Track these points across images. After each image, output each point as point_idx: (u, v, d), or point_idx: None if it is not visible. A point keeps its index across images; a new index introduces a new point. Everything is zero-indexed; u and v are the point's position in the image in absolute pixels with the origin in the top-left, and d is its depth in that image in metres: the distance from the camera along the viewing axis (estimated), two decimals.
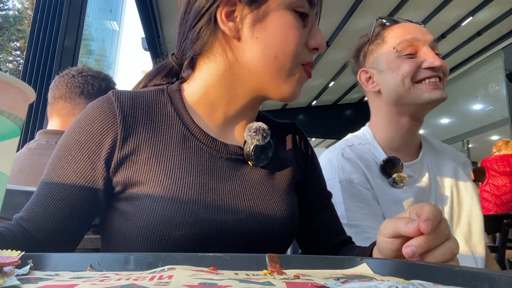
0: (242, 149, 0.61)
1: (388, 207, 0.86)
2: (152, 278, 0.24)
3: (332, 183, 0.86)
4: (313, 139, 11.41)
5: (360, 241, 0.72)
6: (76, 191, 0.53)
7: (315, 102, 8.94)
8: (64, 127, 1.17)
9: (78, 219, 0.54)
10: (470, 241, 0.89)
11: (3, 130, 0.18)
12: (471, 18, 5.39)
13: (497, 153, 3.62)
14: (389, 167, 0.89)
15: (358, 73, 1.00)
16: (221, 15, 0.57)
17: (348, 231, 0.73)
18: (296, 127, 0.75)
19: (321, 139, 11.52)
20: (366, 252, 0.58)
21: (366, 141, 0.96)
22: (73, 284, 0.23)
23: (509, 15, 5.34)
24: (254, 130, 0.60)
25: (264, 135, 0.61)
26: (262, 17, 0.56)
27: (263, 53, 0.56)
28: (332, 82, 7.81)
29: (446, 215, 0.90)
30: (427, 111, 0.93)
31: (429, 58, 0.88)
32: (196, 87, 0.62)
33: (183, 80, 0.65)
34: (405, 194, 0.88)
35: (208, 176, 0.57)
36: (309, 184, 0.71)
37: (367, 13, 5.26)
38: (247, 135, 0.61)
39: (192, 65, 0.63)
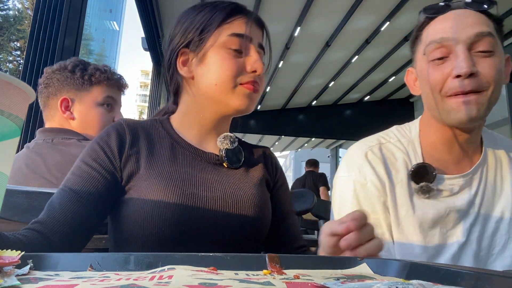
0: (217, 155, 0.79)
1: (402, 219, 0.79)
2: (152, 278, 0.24)
3: (346, 180, 0.83)
4: (313, 139, 11.41)
5: None
6: (93, 186, 0.68)
7: (315, 102, 8.93)
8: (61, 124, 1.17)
9: (92, 215, 0.68)
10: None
11: (3, 130, 0.18)
12: None
13: None
14: (419, 174, 0.78)
15: (406, 72, 0.88)
16: (179, 64, 0.78)
17: None
18: (269, 151, 0.93)
19: (321, 139, 11.52)
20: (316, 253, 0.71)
21: (408, 138, 0.84)
22: (73, 284, 0.23)
23: (509, 15, 5.34)
24: (223, 137, 0.80)
25: (231, 140, 0.80)
26: (203, 57, 0.76)
27: (208, 83, 0.75)
28: (332, 82, 7.80)
29: (486, 241, 0.79)
30: (471, 125, 0.76)
31: (458, 63, 0.70)
32: (178, 115, 0.83)
33: (171, 114, 0.86)
34: (431, 207, 0.79)
35: (191, 169, 0.75)
36: (275, 198, 0.85)
37: (367, 13, 5.26)
38: (218, 142, 0.80)
39: (176, 101, 0.84)
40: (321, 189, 5.19)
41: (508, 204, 0.80)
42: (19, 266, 0.27)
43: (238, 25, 0.76)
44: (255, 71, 0.76)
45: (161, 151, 0.75)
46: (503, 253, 0.79)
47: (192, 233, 0.69)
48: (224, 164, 0.79)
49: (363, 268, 0.34)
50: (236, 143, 0.81)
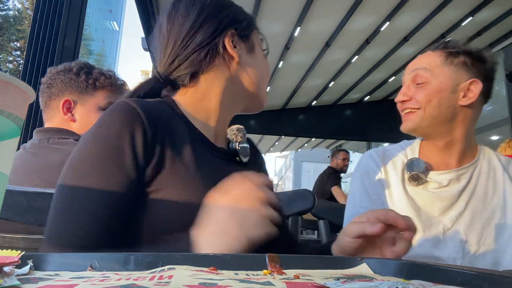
0: (227, 149, 0.75)
1: (395, 201, 0.98)
2: (152, 278, 0.24)
3: (355, 175, 1.05)
4: (313, 139, 11.41)
5: None
6: (116, 192, 0.55)
7: (315, 102, 8.93)
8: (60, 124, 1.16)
9: (116, 221, 0.56)
10: (499, 264, 0.90)
11: (3, 130, 0.18)
12: (471, 18, 5.39)
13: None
14: (410, 165, 0.98)
15: None
16: (229, 43, 0.72)
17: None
18: (250, 139, 0.91)
19: (321, 139, 11.52)
20: (325, 250, 0.70)
21: (411, 146, 1.06)
22: (73, 284, 0.23)
23: (509, 15, 5.34)
24: (236, 129, 0.76)
25: (244, 133, 0.77)
26: (251, 49, 0.76)
27: (255, 75, 0.75)
28: (332, 82, 7.81)
29: (475, 232, 0.93)
30: (416, 135, 1.03)
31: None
32: (193, 99, 0.73)
33: (170, 94, 0.75)
34: (419, 194, 0.97)
35: (214, 169, 0.67)
36: None
37: (367, 13, 5.26)
38: (231, 135, 0.76)
39: (190, 81, 0.72)
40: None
41: (499, 206, 0.94)
42: (19, 266, 0.27)
43: (260, 34, 0.81)
44: None
45: (181, 146, 0.64)
46: (492, 246, 0.91)
47: None
48: (237, 158, 0.75)
49: (363, 268, 0.34)
50: (246, 135, 0.79)
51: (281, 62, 6.64)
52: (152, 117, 0.61)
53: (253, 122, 9.08)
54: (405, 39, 5.99)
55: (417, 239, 0.91)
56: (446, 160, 0.99)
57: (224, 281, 0.23)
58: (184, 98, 0.73)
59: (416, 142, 1.06)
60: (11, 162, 0.20)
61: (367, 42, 6.05)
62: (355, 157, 7.90)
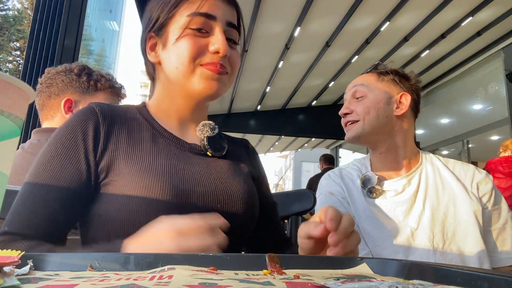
0: (200, 145, 0.75)
1: (361, 215, 1.06)
2: (152, 278, 0.24)
3: (320, 198, 1.14)
4: (313, 139, 11.40)
5: None
6: (67, 183, 0.61)
7: (315, 102, 8.93)
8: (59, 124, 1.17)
9: (68, 213, 0.61)
10: (464, 257, 0.98)
11: (3, 130, 0.18)
12: (471, 18, 5.39)
13: (502, 154, 3.54)
14: (365, 181, 1.10)
15: None
16: (148, 49, 0.76)
17: None
18: (250, 144, 0.92)
19: (321, 139, 11.52)
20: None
21: (362, 161, 1.19)
22: (73, 284, 0.23)
23: (509, 15, 5.33)
24: (202, 125, 0.76)
25: (211, 127, 0.76)
26: (165, 40, 0.72)
27: (171, 67, 0.71)
28: (332, 82, 7.80)
29: (438, 227, 1.02)
30: (366, 145, 1.15)
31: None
32: (155, 102, 0.78)
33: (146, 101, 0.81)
34: (381, 205, 1.07)
35: (176, 160, 0.68)
36: (259, 192, 0.82)
37: (367, 13, 5.26)
38: (198, 130, 0.76)
39: (153, 86, 0.80)
40: None
41: (451, 200, 1.04)
42: (19, 266, 0.27)
43: (197, 3, 0.70)
44: (217, 52, 0.70)
45: (141, 142, 0.68)
46: (455, 238, 1.00)
47: None
48: (208, 153, 0.74)
49: (363, 268, 0.34)
50: (217, 130, 0.77)
51: (281, 62, 6.63)
52: (109, 116, 0.68)
53: (253, 122, 9.08)
54: (405, 39, 5.98)
55: (390, 246, 1.00)
56: (395, 168, 1.12)
57: (224, 281, 0.23)
58: (151, 102, 0.79)
59: (366, 158, 1.19)
60: (11, 162, 0.20)
61: (367, 42, 6.05)
62: (355, 157, 7.89)
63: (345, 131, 1.14)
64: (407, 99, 1.11)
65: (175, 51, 0.70)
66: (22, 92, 0.19)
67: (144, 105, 0.79)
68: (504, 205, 1.08)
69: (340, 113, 1.14)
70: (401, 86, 1.13)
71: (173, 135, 0.73)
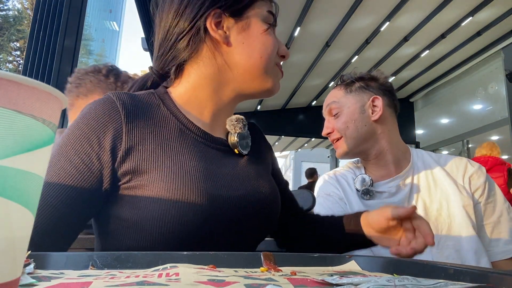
0: (226, 140, 0.71)
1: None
2: (159, 275, 0.24)
3: (317, 199, 1.16)
4: (313, 139, 11.40)
5: None
6: (77, 185, 0.55)
7: (315, 102, 8.94)
8: None
9: (77, 215, 0.56)
10: (460, 253, 1.00)
11: (44, 137, 0.20)
12: (471, 18, 5.39)
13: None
14: (358, 183, 1.11)
15: None
16: (211, 26, 0.66)
17: None
18: (257, 126, 0.86)
19: (321, 139, 11.52)
20: (336, 222, 0.81)
21: (355, 164, 1.21)
22: (87, 282, 0.23)
23: (509, 15, 5.34)
24: (236, 120, 0.70)
25: (244, 123, 0.71)
26: (246, 26, 0.68)
27: (251, 55, 0.67)
28: (332, 82, 7.81)
29: (432, 224, 1.05)
30: (356, 157, 1.17)
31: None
32: (184, 90, 0.69)
33: (166, 86, 0.72)
34: (376, 206, 1.07)
35: (207, 162, 0.63)
36: (274, 174, 0.82)
37: (367, 13, 5.26)
38: (230, 125, 0.70)
39: (178, 72, 0.70)
40: None
41: (443, 197, 1.05)
42: (24, 265, 0.27)
43: (268, 3, 0.72)
44: (283, 57, 0.73)
45: (169, 139, 0.62)
46: (450, 234, 1.01)
47: (208, 237, 0.59)
48: (235, 150, 0.70)
49: (352, 265, 0.35)
50: (247, 127, 0.73)
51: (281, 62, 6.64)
52: (132, 111, 0.60)
53: (253, 122, 9.07)
54: (405, 39, 5.99)
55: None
56: (386, 170, 1.12)
57: (230, 277, 0.23)
58: (175, 90, 0.70)
59: (360, 160, 1.20)
60: (46, 165, 0.21)
61: (367, 42, 6.05)
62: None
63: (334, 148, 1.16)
64: (379, 101, 1.10)
65: (262, 41, 0.67)
66: (58, 101, 0.20)
67: (165, 91, 0.70)
68: (499, 197, 1.06)
69: (323, 134, 1.17)
70: (370, 90, 1.12)
71: (201, 130, 0.67)
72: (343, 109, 1.11)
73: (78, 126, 0.58)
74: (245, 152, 0.72)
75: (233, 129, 0.70)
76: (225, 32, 0.67)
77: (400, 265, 0.34)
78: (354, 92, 1.13)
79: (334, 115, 1.13)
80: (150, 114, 0.63)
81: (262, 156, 0.78)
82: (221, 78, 0.68)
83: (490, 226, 1.04)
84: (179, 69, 0.69)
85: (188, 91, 0.69)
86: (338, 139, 1.12)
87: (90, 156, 0.56)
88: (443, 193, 1.06)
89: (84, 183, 0.55)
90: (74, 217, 0.56)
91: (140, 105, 0.63)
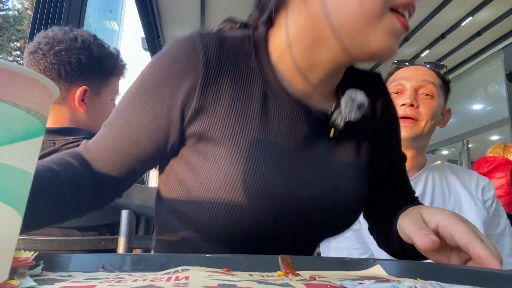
0: (326, 115, 0.55)
1: None
2: (168, 279, 0.24)
3: None
4: None
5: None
6: (147, 133, 0.51)
7: None
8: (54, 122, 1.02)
9: (142, 162, 0.53)
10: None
11: (29, 128, 0.18)
12: (471, 18, 5.39)
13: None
14: None
15: None
16: None
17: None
18: (381, 80, 0.67)
19: None
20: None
21: None
22: (91, 285, 0.22)
23: (509, 15, 5.33)
24: (351, 99, 0.54)
25: (361, 103, 0.54)
26: None
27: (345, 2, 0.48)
28: None
29: None
30: (409, 144, 1.05)
31: (404, 96, 1.02)
32: (280, 42, 0.55)
33: (269, 27, 0.57)
34: None
35: (286, 143, 0.53)
36: (383, 150, 0.66)
37: None
38: (345, 104, 0.54)
39: (271, 25, 0.57)
40: None
41: (456, 206, 1.02)
42: (30, 267, 0.27)
43: None
44: (403, 4, 0.49)
45: (249, 104, 0.52)
46: None
47: (268, 236, 0.53)
48: (331, 133, 0.56)
49: (377, 270, 0.33)
50: (363, 110, 0.55)
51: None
52: (215, 63, 0.51)
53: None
54: (405, 39, 5.98)
55: None
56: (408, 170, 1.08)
57: (242, 282, 0.23)
58: (273, 39, 0.56)
59: None
60: (36, 161, 0.20)
61: None
62: None
63: (401, 124, 1.03)
64: (449, 115, 1.08)
65: None
66: (47, 90, 0.19)
67: (265, 35, 0.57)
68: (503, 212, 1.08)
69: (406, 103, 0.99)
70: (446, 99, 1.07)
71: (291, 97, 0.54)
72: (436, 97, 1.03)
73: (152, 71, 0.53)
74: (342, 138, 0.58)
75: (345, 109, 0.54)
76: None
77: (429, 269, 0.32)
78: (443, 92, 1.07)
79: (426, 94, 1.02)
80: (235, 66, 0.53)
81: (364, 137, 0.62)
82: (314, 32, 0.52)
83: (494, 238, 1.04)
84: (270, 21, 0.57)
85: (280, 47, 0.55)
86: (415, 120, 1.00)
87: (160, 111, 0.51)
88: (457, 202, 1.04)
89: (151, 137, 0.51)
90: (138, 165, 0.53)
91: (226, 53, 0.53)
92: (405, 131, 1.00)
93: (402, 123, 0.99)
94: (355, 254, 1.00)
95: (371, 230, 0.75)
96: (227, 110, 0.51)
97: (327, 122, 0.56)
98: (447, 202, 1.05)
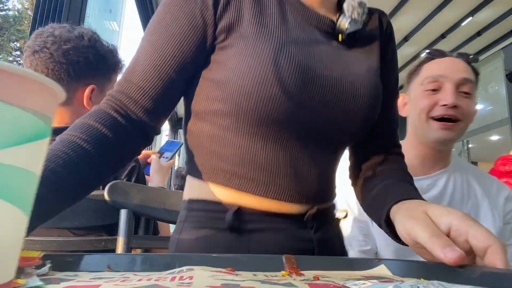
0: (333, 22, 0.61)
1: None
2: (173, 279, 0.24)
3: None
4: None
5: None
6: (182, 46, 0.55)
7: None
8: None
9: (183, 74, 0.56)
10: None
11: (35, 130, 0.18)
12: (471, 18, 5.39)
13: None
14: None
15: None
16: None
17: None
18: (386, 16, 0.73)
19: None
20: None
21: None
22: (96, 285, 0.23)
23: (509, 15, 5.33)
24: (358, 2, 0.60)
25: (364, 11, 0.60)
26: None
27: None
28: None
29: None
30: (443, 146, 0.99)
31: (445, 96, 0.93)
32: None
33: None
34: None
35: (306, 38, 0.58)
36: (385, 71, 0.69)
37: None
38: (349, 5, 0.60)
39: None
40: None
41: (472, 210, 0.99)
42: (38, 267, 0.27)
43: None
44: None
45: (268, 4, 0.58)
46: None
47: (300, 114, 0.54)
48: (339, 36, 0.61)
49: (382, 270, 0.33)
50: (365, 15, 0.61)
51: None
52: None
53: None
54: (405, 39, 5.98)
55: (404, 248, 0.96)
56: (424, 168, 1.02)
57: (246, 282, 0.23)
58: None
59: None
60: (42, 162, 0.20)
61: None
62: None
63: (440, 125, 0.93)
64: (474, 117, 1.01)
65: None
66: (54, 92, 0.19)
67: None
68: None
69: (450, 103, 0.92)
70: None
71: (302, 3, 0.60)
72: (473, 97, 0.97)
73: None
74: (349, 42, 0.62)
75: (349, 11, 0.60)
76: None
77: (433, 269, 0.32)
78: (476, 86, 1.00)
79: (466, 93, 0.95)
80: None
81: (374, 55, 0.66)
82: None
83: (510, 248, 1.00)
84: None
85: None
86: (458, 121, 0.93)
87: (194, 14, 0.55)
88: (473, 207, 1.00)
89: (189, 43, 0.55)
90: (180, 80, 0.57)
91: None
92: (448, 133, 0.94)
93: (443, 126, 0.94)
94: (354, 244, 0.97)
95: (354, 183, 0.74)
96: (250, 5, 0.56)
97: (335, 30, 0.61)
98: (465, 206, 1.01)
